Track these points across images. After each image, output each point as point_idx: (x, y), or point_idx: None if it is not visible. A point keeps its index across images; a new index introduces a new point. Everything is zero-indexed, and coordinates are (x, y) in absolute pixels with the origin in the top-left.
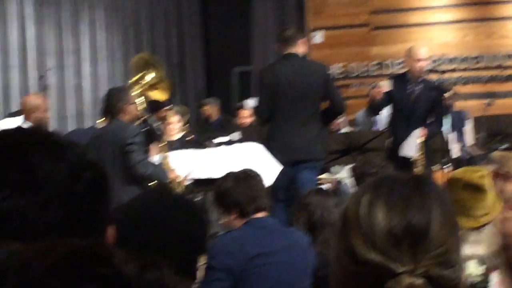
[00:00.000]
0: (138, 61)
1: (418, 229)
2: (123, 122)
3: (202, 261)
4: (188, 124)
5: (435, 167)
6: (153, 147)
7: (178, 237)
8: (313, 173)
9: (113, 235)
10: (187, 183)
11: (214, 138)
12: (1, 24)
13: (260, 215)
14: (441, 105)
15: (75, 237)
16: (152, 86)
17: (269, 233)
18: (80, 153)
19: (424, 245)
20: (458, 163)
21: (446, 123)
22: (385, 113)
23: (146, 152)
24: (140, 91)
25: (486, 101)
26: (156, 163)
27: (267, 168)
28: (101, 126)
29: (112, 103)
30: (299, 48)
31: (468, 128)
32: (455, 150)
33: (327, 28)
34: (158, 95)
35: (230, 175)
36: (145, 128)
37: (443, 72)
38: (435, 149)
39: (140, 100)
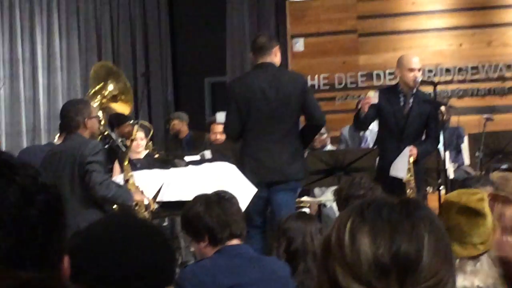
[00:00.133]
0: (99, 70)
1: (408, 258)
2: (83, 138)
3: None
4: (151, 142)
5: (428, 189)
6: (116, 166)
7: (143, 268)
8: (291, 195)
9: (69, 265)
10: (153, 206)
11: (184, 156)
12: None
13: (234, 242)
14: (436, 120)
15: (25, 269)
16: (114, 97)
17: (244, 262)
18: (32, 174)
19: (414, 276)
20: (453, 184)
21: (440, 141)
22: (374, 129)
23: (108, 171)
24: (101, 103)
25: (485, 116)
26: (119, 184)
27: (242, 190)
28: (58, 143)
29: (71, 117)
30: (274, 57)
31: (465, 146)
32: (450, 170)
33: (309, 35)
34: (121, 108)
35: (200, 198)
36: (108, 145)
37: (438, 83)
38: (429, 169)
39: (101, 114)
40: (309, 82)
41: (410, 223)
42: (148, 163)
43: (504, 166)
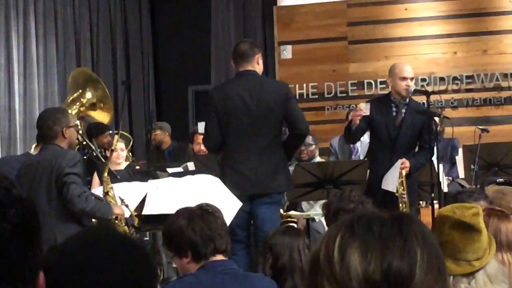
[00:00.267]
0: (77, 77)
1: (399, 275)
2: (61, 149)
3: None
4: (131, 153)
5: (421, 203)
6: (95, 178)
7: (122, 285)
8: (274, 208)
9: (44, 282)
10: (136, 220)
11: (166, 168)
12: None
13: (218, 258)
14: (429, 131)
15: None
16: (93, 106)
17: (229, 279)
18: (6, 186)
19: None
20: (447, 198)
21: (434, 153)
22: (365, 140)
23: (87, 183)
24: (79, 112)
25: (480, 127)
26: (99, 197)
27: (226, 204)
28: (35, 153)
29: (48, 126)
30: (257, 65)
31: (459, 158)
32: (444, 184)
33: (297, 42)
34: (100, 116)
35: (183, 211)
36: (86, 156)
37: (431, 93)
38: (422, 182)
39: (79, 123)
40: (297, 91)
41: (402, 239)
42: (129, 175)
43: (500, 180)
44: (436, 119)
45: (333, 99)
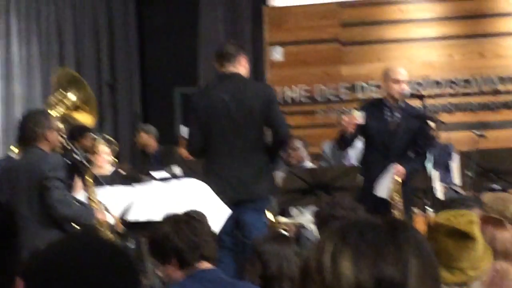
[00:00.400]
0: (60, 77)
1: (392, 284)
2: (43, 152)
3: None
4: (116, 157)
5: (415, 210)
6: (78, 182)
7: None
8: (259, 214)
9: None
10: (120, 227)
11: (152, 172)
12: None
13: (205, 265)
14: (425, 136)
15: None
16: (77, 107)
17: None
18: None
19: None
20: (442, 205)
21: (429, 158)
22: (358, 145)
23: (69, 188)
24: (62, 114)
25: (477, 132)
26: (82, 202)
27: (214, 210)
28: (16, 157)
29: (30, 129)
30: (240, 67)
31: (455, 164)
32: (439, 190)
33: (288, 43)
34: (84, 118)
35: (169, 218)
36: (69, 160)
37: (426, 97)
38: (416, 189)
39: (62, 125)
40: (288, 94)
41: (395, 246)
42: (113, 179)
43: (497, 187)
44: (431, 123)
45: (325, 102)
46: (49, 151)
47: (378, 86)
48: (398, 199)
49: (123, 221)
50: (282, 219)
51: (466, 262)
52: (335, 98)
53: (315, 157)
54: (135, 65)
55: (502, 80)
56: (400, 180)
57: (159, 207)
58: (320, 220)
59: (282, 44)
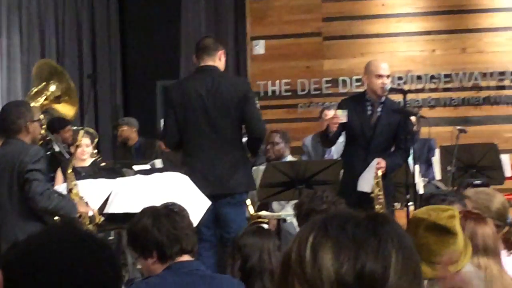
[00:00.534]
0: (41, 68)
1: (373, 278)
2: (24, 144)
3: None
4: (97, 149)
5: (396, 205)
6: (59, 175)
7: (85, 285)
8: (238, 209)
9: (3, 280)
10: (99, 219)
11: (133, 165)
12: None
13: (185, 258)
14: (406, 131)
15: None
16: (57, 99)
17: (196, 280)
18: None
19: None
20: (423, 200)
21: (410, 153)
22: (340, 139)
23: (50, 180)
24: (42, 105)
25: (458, 127)
26: (62, 194)
27: (194, 203)
28: None
29: (11, 120)
30: (218, 61)
31: (436, 159)
32: (420, 185)
33: (270, 37)
34: (65, 109)
35: (148, 210)
36: (50, 151)
37: (408, 91)
38: (397, 184)
39: (42, 116)
40: (270, 88)
41: (376, 240)
42: (94, 171)
43: (478, 182)
44: (413, 118)
45: (307, 96)
46: (30, 142)
47: (360, 81)
48: (379, 193)
49: (103, 213)
50: (263, 213)
51: (446, 257)
52: (316, 92)
53: (296, 151)
54: (117, 57)
55: (484, 75)
56: (381, 173)
57: (140, 199)
58: (301, 214)
59: (264, 38)
